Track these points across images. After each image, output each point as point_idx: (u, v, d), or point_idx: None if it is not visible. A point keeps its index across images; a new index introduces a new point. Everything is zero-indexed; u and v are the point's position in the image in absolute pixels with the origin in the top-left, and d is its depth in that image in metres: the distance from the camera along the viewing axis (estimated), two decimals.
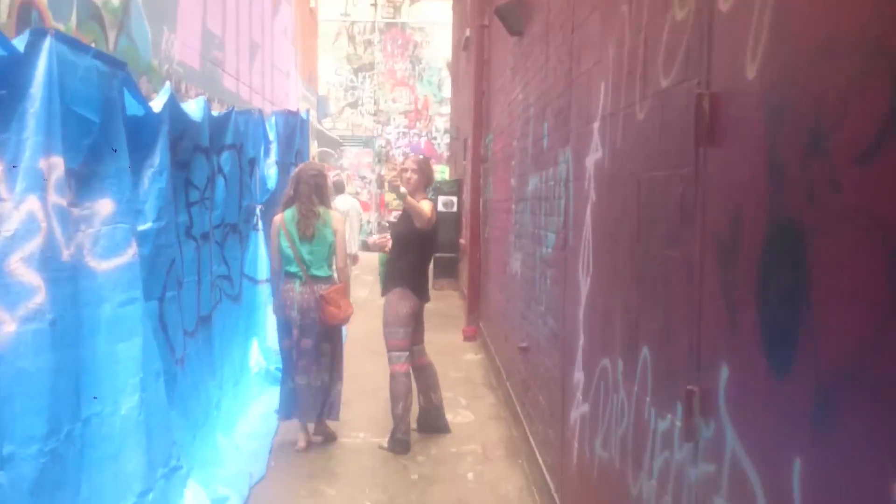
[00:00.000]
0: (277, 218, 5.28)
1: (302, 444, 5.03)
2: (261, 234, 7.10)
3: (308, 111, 9.76)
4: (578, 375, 3.27)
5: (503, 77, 6.73)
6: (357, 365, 6.73)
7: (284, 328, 5.18)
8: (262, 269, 6.95)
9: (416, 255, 5.06)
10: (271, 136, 7.73)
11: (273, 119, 7.89)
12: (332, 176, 18.01)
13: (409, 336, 5.11)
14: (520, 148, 5.44)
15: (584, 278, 3.21)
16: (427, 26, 22.56)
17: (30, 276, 2.83)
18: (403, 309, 5.07)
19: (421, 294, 5.18)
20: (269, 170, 7.70)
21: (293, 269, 5.12)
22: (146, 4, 8.44)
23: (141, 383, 3.42)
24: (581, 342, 3.25)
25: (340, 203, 12.02)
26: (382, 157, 22.94)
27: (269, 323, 6.82)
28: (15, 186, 2.85)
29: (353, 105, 22.95)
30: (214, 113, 6.11)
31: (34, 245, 2.86)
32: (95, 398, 3.18)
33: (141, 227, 3.90)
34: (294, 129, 8.85)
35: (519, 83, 5.56)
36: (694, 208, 2.06)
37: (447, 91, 21.95)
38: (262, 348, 6.72)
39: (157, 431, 3.52)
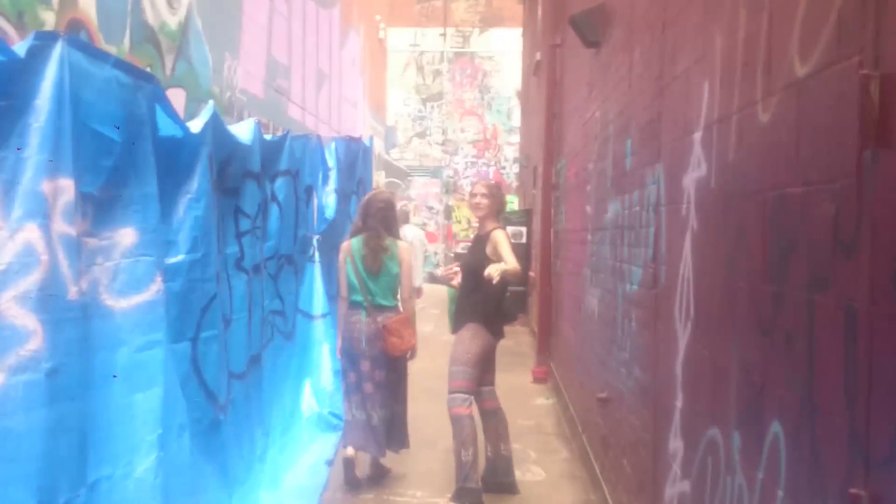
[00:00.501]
0: (345, 245, 5.19)
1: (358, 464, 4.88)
2: (317, 266, 6.69)
3: (371, 138, 9.41)
4: (676, 444, 2.67)
5: (577, 96, 6.20)
6: (415, 407, 6.22)
7: (351, 360, 5.01)
8: (318, 303, 6.53)
9: (491, 288, 4.59)
10: (330, 162, 7.36)
11: (333, 145, 7.52)
12: (397, 206, 17.74)
13: (475, 378, 4.67)
14: (597, 171, 4.88)
15: (683, 324, 2.62)
16: (496, 55, 22.23)
17: (24, 318, 2.41)
18: (475, 347, 4.66)
19: (495, 331, 4.75)
20: (328, 198, 7.31)
21: (358, 298, 5.01)
22: (207, 29, 8.26)
23: (159, 440, 2.98)
24: (679, 403, 2.65)
25: (404, 233, 11.62)
26: (450, 188, 22.59)
27: (324, 362, 6.38)
28: (11, 212, 2.46)
29: (421, 135, 22.72)
30: (267, 137, 5.77)
31: (31, 281, 2.45)
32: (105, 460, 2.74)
33: (171, 260, 3.49)
34: (356, 157, 8.48)
35: (596, 100, 5.02)
36: (856, 234, 1.48)
37: (516, 120, 21.51)
38: (315, 390, 6.27)
39: (178, 496, 3.06)
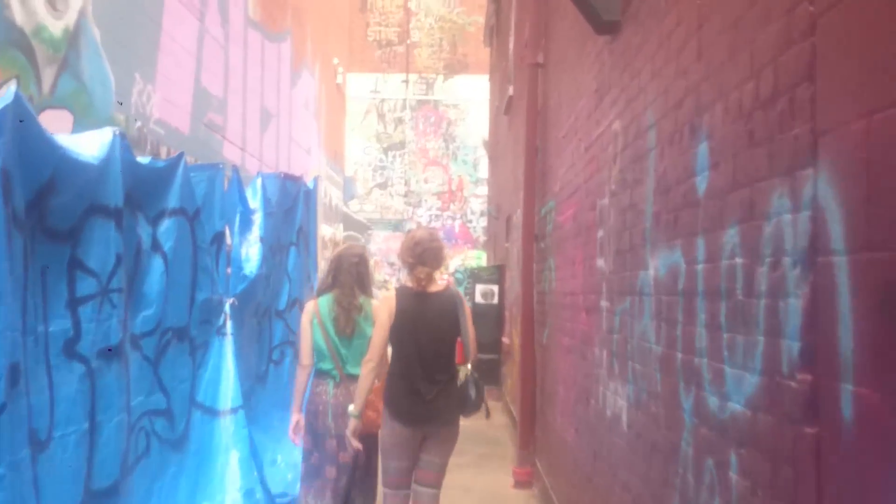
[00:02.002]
0: (310, 305, 4.61)
1: None
2: (229, 341, 5.00)
3: (316, 179, 7.79)
4: None
5: (573, 116, 4.69)
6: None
7: (314, 438, 4.39)
8: (227, 393, 4.81)
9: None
10: (254, 203, 5.72)
11: (259, 181, 5.89)
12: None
13: (401, 472, 4.00)
14: (618, 208, 3.32)
15: None
16: (461, 103, 20.93)
17: None
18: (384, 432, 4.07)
19: (404, 414, 3.97)
20: (250, 249, 5.65)
21: (326, 366, 4.45)
22: (109, 43, 6.66)
23: None
24: None
25: None
26: None
27: (232, 477, 4.63)
28: None
29: (383, 186, 21.18)
30: (143, 159, 4.13)
31: None
32: None
33: None
34: (295, 200, 6.87)
35: (613, 107, 3.49)
36: None
37: (483, 171, 20.15)
38: None
39: None
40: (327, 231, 17.87)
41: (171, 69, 8.17)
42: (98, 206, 3.26)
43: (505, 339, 9.42)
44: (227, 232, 5.20)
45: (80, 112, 6.06)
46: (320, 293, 4.64)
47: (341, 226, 19.77)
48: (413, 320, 3.95)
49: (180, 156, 4.35)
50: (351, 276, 4.49)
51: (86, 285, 3.19)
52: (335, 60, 18.86)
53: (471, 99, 20.57)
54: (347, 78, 20.37)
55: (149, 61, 7.61)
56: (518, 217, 8.23)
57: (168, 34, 8.05)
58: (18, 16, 5.25)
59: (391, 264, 20.67)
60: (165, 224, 4.15)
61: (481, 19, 20.01)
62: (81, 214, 3.17)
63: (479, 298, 10.37)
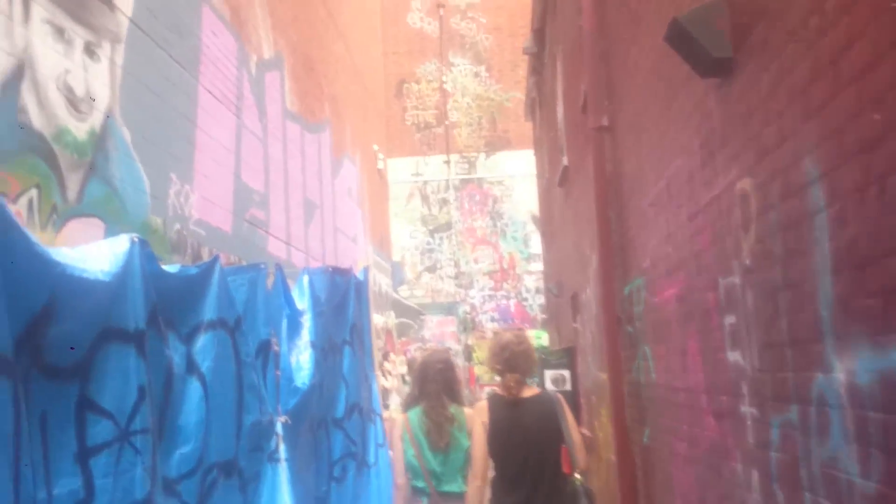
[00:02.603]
0: (400, 420, 4.64)
1: None
2: (283, 468, 4.32)
3: (366, 269, 7.21)
4: None
5: (663, 181, 4.02)
6: None
7: None
8: None
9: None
10: (302, 303, 5.12)
11: (305, 280, 5.31)
12: (409, 352, 15.34)
13: None
14: (757, 289, 2.59)
15: None
16: (506, 179, 20.48)
17: None
18: None
19: None
20: (300, 356, 5.01)
21: (419, 484, 4.35)
22: (141, 143, 6.28)
23: None
24: None
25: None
26: (468, 325, 20.27)
27: None
28: None
29: (432, 269, 20.63)
30: (172, 267, 3.57)
31: None
32: None
33: None
34: (346, 295, 6.28)
35: (733, 163, 2.81)
36: None
37: (535, 246, 19.49)
38: None
39: None
40: (378, 319, 17.28)
41: (209, 167, 7.78)
42: (113, 330, 2.66)
43: (584, 431, 8.55)
44: (274, 340, 4.59)
45: (111, 218, 5.60)
46: (408, 406, 4.56)
47: (392, 313, 19.18)
48: (509, 430, 3.77)
49: (215, 259, 3.77)
50: (437, 384, 4.37)
51: (100, 430, 2.57)
52: (375, 147, 18.66)
53: (515, 174, 20.13)
54: (388, 163, 20.14)
55: (185, 160, 7.22)
56: (589, 295, 7.51)
57: (204, 131, 7.69)
58: (36, 120, 4.85)
59: (448, 349, 19.89)
60: (202, 340, 3.54)
61: (519, 94, 19.75)
62: (92, 343, 2.57)
63: (549, 385, 9.55)
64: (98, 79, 5.67)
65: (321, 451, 5.40)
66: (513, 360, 3.90)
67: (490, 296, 20.11)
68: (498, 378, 4.05)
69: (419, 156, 20.87)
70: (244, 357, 3.91)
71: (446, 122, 20.82)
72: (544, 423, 3.76)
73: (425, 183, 20.84)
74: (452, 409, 4.35)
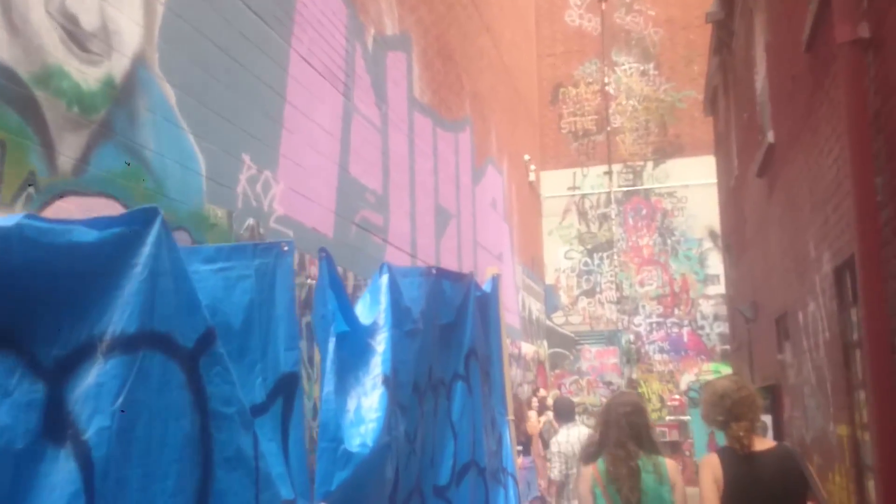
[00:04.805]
0: (588, 471, 4.12)
1: None
2: None
3: (495, 277, 5.28)
4: None
5: None
6: None
7: None
8: None
9: None
10: (371, 316, 3.28)
11: (384, 281, 3.46)
12: (550, 395, 13.24)
13: None
14: None
15: None
16: (678, 190, 17.93)
17: None
18: None
19: None
20: (364, 399, 3.17)
21: None
22: (190, 110, 4.78)
23: None
24: None
25: (564, 436, 7.46)
26: (632, 356, 17.78)
27: None
28: None
29: (590, 293, 18.35)
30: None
31: None
32: None
33: None
34: (462, 311, 4.45)
35: None
36: None
37: (714, 266, 16.82)
38: None
39: None
40: (528, 349, 15.28)
41: (302, 152, 6.21)
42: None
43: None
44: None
45: (135, 201, 4.06)
46: (593, 456, 4.25)
47: (545, 342, 17.11)
48: (746, 489, 3.48)
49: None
50: (622, 430, 4.07)
51: None
52: (526, 157, 16.80)
53: (689, 184, 17.56)
54: (541, 176, 18.21)
55: (265, 140, 5.66)
56: (813, 315, 5.21)
57: (295, 107, 6.13)
58: (3, 50, 3.38)
59: (607, 384, 17.53)
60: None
61: (694, 93, 17.27)
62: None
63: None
64: (124, 12, 4.21)
65: None
66: (736, 407, 3.62)
67: (658, 323, 17.52)
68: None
69: (576, 167, 18.78)
70: (213, 405, 2.11)
71: (608, 129, 18.61)
72: (787, 482, 3.47)
73: (583, 197, 18.68)
74: (642, 459, 3.97)
